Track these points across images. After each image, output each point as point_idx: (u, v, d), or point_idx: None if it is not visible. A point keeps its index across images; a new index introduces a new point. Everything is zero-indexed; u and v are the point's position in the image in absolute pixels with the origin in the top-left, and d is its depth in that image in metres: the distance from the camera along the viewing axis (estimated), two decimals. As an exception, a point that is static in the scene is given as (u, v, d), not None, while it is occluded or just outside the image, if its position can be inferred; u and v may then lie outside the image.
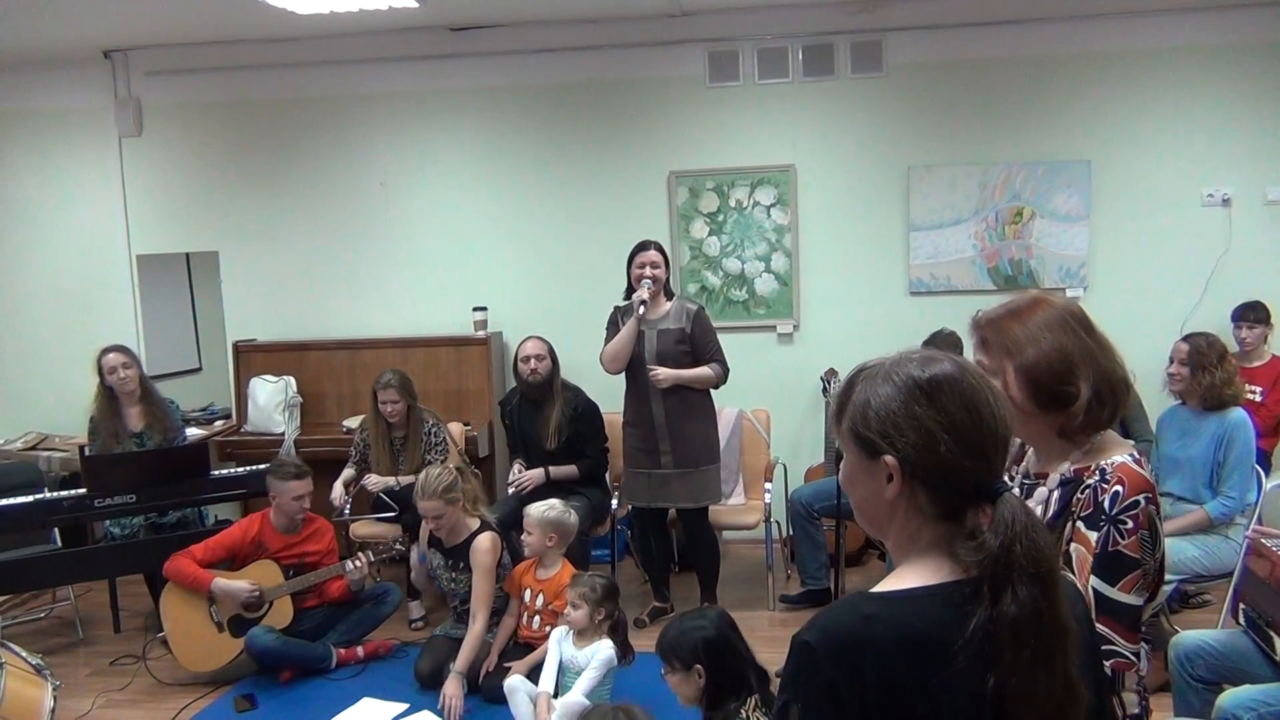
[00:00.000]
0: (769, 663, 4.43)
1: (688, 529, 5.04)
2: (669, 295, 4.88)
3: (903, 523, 1.34)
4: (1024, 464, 1.97)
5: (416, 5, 5.24)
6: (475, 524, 4.45)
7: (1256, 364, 5.10)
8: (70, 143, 6.42)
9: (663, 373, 4.68)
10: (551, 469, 5.07)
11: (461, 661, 4.22)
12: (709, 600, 5.02)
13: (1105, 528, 1.74)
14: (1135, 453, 1.82)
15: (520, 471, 5.11)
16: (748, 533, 5.42)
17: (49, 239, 6.49)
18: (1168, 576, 4.01)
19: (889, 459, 1.31)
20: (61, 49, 6.07)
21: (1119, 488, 1.74)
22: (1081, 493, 1.79)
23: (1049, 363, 1.81)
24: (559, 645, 3.92)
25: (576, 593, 3.89)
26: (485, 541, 4.34)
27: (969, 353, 1.98)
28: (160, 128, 6.36)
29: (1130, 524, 1.72)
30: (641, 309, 4.68)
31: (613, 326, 4.88)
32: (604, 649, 3.80)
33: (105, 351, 5.15)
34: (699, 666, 3.08)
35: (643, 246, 4.82)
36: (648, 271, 4.72)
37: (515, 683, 3.88)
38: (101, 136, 6.37)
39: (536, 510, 4.27)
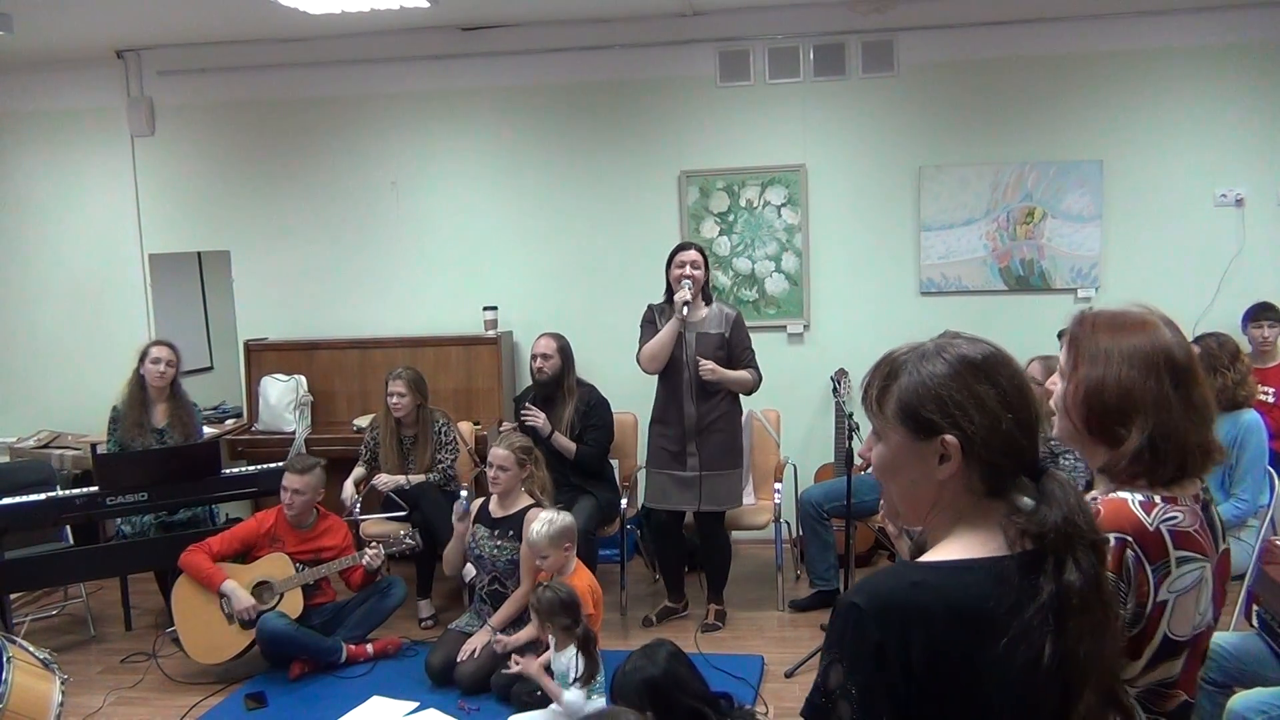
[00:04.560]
0: (778, 663, 4.47)
1: (703, 532, 5.03)
2: (708, 299, 4.87)
3: (950, 503, 1.35)
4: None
5: (428, 5, 5.24)
6: (529, 501, 4.51)
7: (1269, 365, 5.07)
8: (83, 142, 6.45)
9: (711, 364, 4.67)
10: (556, 435, 5.06)
11: (498, 617, 4.36)
12: (715, 601, 5.02)
13: None
14: (1160, 496, 1.65)
15: (533, 409, 5.09)
16: (757, 533, 5.41)
17: (61, 238, 6.53)
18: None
19: (949, 438, 1.32)
20: (74, 49, 6.10)
21: None
22: None
23: (1106, 394, 1.68)
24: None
25: (530, 603, 3.94)
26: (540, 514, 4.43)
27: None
28: (172, 127, 6.38)
29: None
30: (685, 309, 4.67)
31: (649, 325, 4.87)
32: (566, 654, 3.83)
33: (155, 343, 5.26)
34: (649, 713, 3.01)
35: (683, 246, 4.83)
36: (688, 271, 4.71)
37: (577, 698, 3.80)
38: (114, 136, 6.40)
39: (539, 531, 4.12)
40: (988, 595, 1.25)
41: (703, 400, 4.75)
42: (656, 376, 4.87)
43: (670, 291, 4.79)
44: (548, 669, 3.89)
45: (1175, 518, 1.64)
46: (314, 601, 4.69)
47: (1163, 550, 1.60)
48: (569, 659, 3.82)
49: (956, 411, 1.32)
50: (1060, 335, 5.53)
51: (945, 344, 1.38)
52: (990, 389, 1.32)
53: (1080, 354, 1.73)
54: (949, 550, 1.33)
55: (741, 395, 4.91)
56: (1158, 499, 1.65)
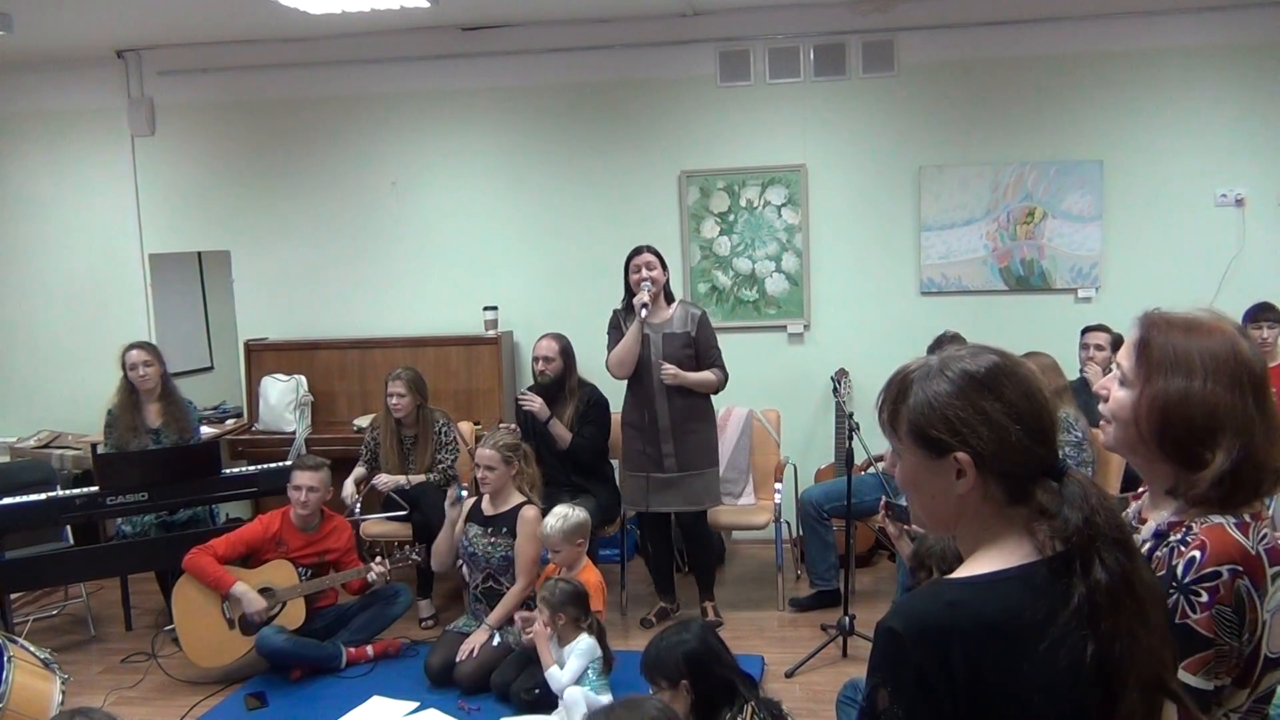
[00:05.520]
0: (778, 663, 4.47)
1: (686, 532, 5.05)
2: (670, 299, 4.89)
3: (974, 513, 1.37)
4: (1138, 504, 1.72)
5: (428, 5, 5.24)
6: (521, 499, 4.54)
7: (1270, 365, 5.07)
8: (83, 142, 6.45)
9: (673, 370, 4.70)
10: (554, 420, 5.07)
11: (495, 616, 4.37)
12: (708, 599, 5.03)
13: (1175, 596, 1.50)
14: (1249, 516, 1.55)
15: (529, 394, 5.12)
16: (757, 533, 5.41)
17: (62, 238, 6.53)
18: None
19: (961, 455, 1.33)
20: (75, 49, 6.10)
21: (1197, 553, 1.50)
22: (1161, 550, 1.57)
23: (1191, 411, 1.53)
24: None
25: (539, 595, 4.00)
26: (533, 511, 4.47)
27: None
28: (173, 127, 6.38)
29: (1205, 596, 1.48)
30: (644, 312, 4.69)
31: (615, 330, 4.90)
32: (583, 640, 3.90)
33: (130, 347, 5.22)
34: (685, 682, 3.08)
35: (637, 251, 4.84)
36: (644, 274, 4.74)
37: (576, 695, 3.83)
38: (114, 136, 6.40)
39: (553, 526, 4.22)
40: (1022, 606, 1.27)
41: (673, 400, 4.77)
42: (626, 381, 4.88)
43: (630, 295, 4.81)
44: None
45: (1265, 533, 1.55)
46: (318, 604, 4.70)
47: (1263, 572, 1.52)
48: (583, 649, 3.86)
49: (964, 429, 1.33)
50: (1084, 332, 5.55)
51: (949, 360, 1.39)
52: (996, 402, 1.34)
53: (1153, 361, 1.57)
54: (980, 564, 1.35)
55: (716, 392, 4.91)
56: (1247, 517, 1.55)
